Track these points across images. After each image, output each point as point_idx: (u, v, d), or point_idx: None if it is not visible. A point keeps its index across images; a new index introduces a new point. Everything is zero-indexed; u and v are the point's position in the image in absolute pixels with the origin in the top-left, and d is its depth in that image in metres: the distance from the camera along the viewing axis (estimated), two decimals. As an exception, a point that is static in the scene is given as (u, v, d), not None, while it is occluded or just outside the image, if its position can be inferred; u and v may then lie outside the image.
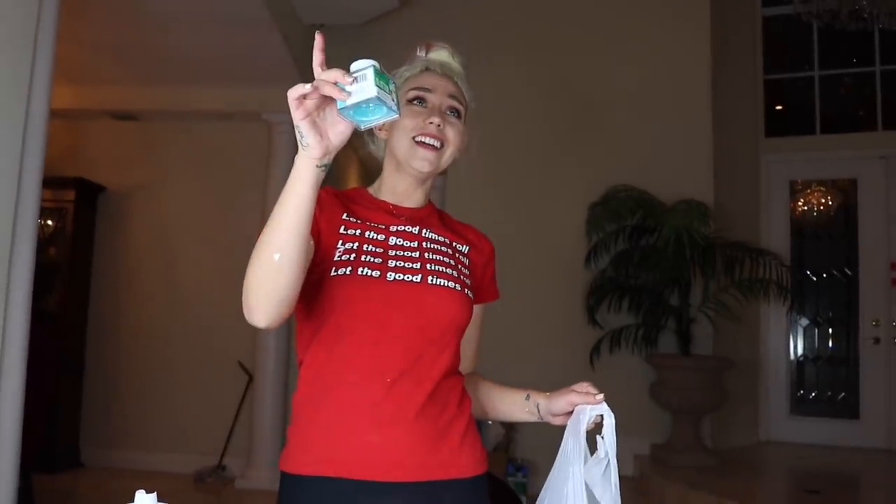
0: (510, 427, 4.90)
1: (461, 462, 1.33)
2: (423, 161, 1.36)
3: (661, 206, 4.85)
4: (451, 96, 1.41)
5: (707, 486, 4.17)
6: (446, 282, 1.34)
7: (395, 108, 1.05)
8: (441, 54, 1.48)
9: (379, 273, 1.29)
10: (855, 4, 4.47)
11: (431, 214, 1.48)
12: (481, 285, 1.49)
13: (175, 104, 5.51)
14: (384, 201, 1.44)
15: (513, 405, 1.44)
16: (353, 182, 6.96)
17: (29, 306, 2.70)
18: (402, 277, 1.30)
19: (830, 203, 5.88)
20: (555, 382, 4.89)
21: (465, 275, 1.41)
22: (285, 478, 1.32)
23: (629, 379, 4.96)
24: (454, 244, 1.45)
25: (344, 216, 1.36)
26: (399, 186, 1.43)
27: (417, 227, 1.40)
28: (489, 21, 5.38)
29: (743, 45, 5.90)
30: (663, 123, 5.29)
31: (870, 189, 5.62)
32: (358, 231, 1.34)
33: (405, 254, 1.34)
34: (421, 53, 1.49)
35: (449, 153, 1.39)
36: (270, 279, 1.13)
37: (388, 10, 5.15)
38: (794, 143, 5.90)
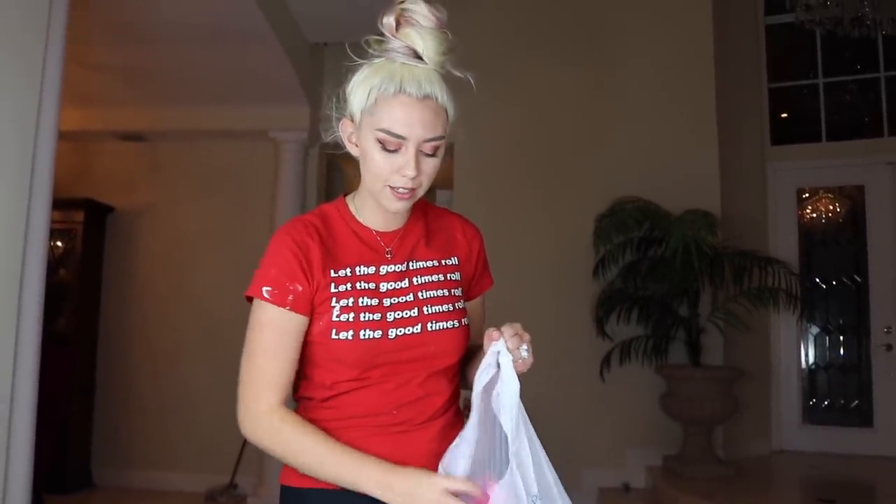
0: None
1: None
2: (395, 204, 1.32)
3: (669, 216, 4.84)
4: (429, 140, 1.26)
5: (721, 497, 4.15)
6: (445, 323, 1.36)
7: None
8: (420, 48, 1.26)
9: (381, 333, 1.30)
10: (857, 11, 4.47)
11: (417, 227, 1.44)
12: (472, 282, 1.51)
13: (182, 124, 5.55)
14: (367, 229, 1.40)
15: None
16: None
17: (40, 327, 2.71)
18: (402, 332, 1.32)
19: (838, 210, 5.87)
20: (566, 395, 4.90)
21: (456, 296, 1.42)
22: (289, 492, 1.36)
23: (640, 390, 4.95)
24: (443, 261, 1.44)
25: (331, 273, 1.33)
26: (380, 211, 1.39)
27: (405, 263, 1.39)
28: (492, 34, 5.40)
29: (746, 54, 5.90)
30: (669, 134, 5.29)
31: (877, 195, 5.60)
32: (349, 285, 1.33)
33: (400, 299, 1.34)
34: (387, 31, 1.28)
35: (423, 189, 1.33)
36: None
37: (392, 26, 5.17)
38: (800, 150, 5.88)
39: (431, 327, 1.34)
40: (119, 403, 5.63)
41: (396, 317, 1.32)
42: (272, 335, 1.30)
